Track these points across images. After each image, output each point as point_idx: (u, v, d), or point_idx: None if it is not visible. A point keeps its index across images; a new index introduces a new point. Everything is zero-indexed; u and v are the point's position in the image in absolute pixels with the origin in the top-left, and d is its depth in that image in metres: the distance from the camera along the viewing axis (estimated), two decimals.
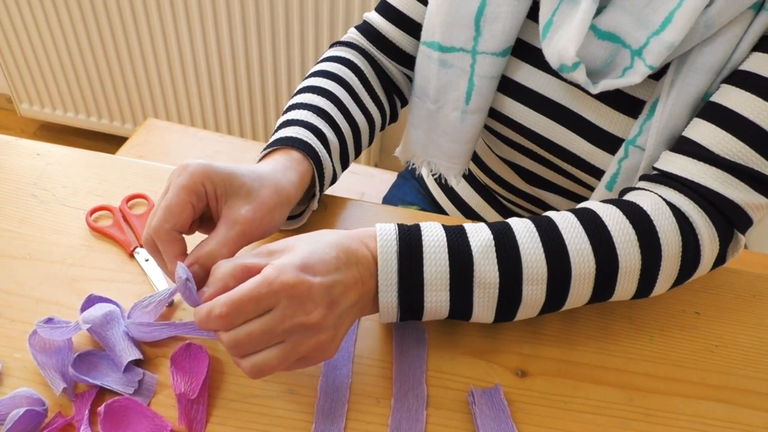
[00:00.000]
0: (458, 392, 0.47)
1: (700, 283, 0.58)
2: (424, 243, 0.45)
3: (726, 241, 0.52)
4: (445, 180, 0.71)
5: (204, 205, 0.47)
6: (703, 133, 0.51)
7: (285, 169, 0.51)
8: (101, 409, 0.43)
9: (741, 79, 0.51)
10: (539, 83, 0.61)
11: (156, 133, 1.30)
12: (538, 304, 0.48)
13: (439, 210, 0.86)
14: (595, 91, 0.55)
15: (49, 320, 0.47)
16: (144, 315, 0.49)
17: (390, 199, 0.94)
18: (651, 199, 0.50)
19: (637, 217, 0.49)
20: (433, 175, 0.72)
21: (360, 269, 0.44)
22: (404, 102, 0.71)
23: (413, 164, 0.74)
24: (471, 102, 0.63)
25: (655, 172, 0.54)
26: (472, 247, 0.46)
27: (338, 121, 0.59)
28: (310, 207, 0.57)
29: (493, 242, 0.46)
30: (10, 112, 2.00)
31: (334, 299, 0.42)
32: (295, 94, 0.61)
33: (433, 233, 0.46)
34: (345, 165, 0.61)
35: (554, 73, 0.60)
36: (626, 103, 0.57)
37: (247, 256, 0.43)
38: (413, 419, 0.45)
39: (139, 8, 1.50)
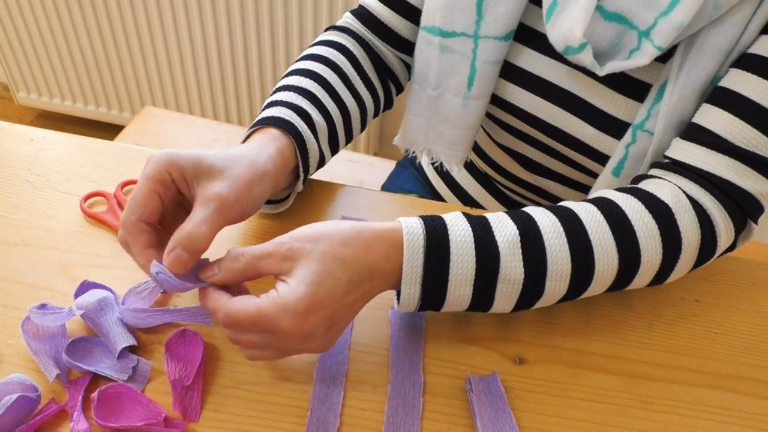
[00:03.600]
0: (455, 379, 0.47)
1: (700, 270, 0.58)
2: (451, 238, 0.45)
3: (740, 230, 0.52)
4: (444, 168, 0.71)
5: (173, 193, 0.46)
6: (716, 120, 0.50)
7: (261, 146, 0.50)
8: (95, 395, 0.43)
9: (751, 63, 0.50)
10: (542, 68, 0.60)
11: (153, 121, 1.29)
12: (557, 297, 0.48)
13: (437, 198, 0.86)
14: (601, 73, 0.54)
15: (43, 306, 0.47)
16: (138, 301, 0.49)
17: (389, 187, 0.93)
18: (671, 191, 0.50)
19: (659, 210, 0.48)
20: (433, 163, 0.72)
21: (373, 282, 0.44)
22: (400, 88, 0.70)
23: (413, 153, 0.73)
24: (473, 88, 0.62)
25: (667, 160, 0.54)
26: (498, 243, 0.45)
27: (325, 103, 0.58)
28: (295, 189, 0.56)
29: (518, 237, 0.45)
30: (8, 100, 1.99)
31: (336, 321, 0.42)
32: (284, 77, 0.60)
33: (459, 228, 0.45)
34: (335, 149, 0.60)
35: (558, 58, 0.59)
36: (631, 86, 0.56)
37: (263, 252, 0.42)
38: (410, 406, 0.45)
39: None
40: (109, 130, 1.83)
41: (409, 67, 0.69)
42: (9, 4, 1.59)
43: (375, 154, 1.63)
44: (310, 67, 0.60)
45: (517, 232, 0.46)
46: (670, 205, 0.49)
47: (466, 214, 0.47)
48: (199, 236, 0.43)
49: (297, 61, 0.62)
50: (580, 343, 0.51)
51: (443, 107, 0.65)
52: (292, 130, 0.52)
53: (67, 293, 0.50)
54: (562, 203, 0.50)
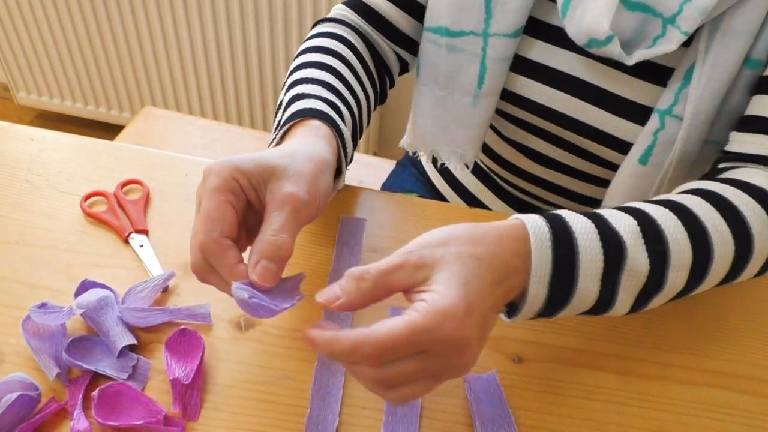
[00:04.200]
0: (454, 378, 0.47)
1: None
2: (575, 231, 0.42)
3: None
4: (444, 166, 0.70)
5: (244, 203, 0.42)
6: None
7: (310, 138, 0.48)
8: (95, 394, 0.43)
9: None
10: (555, 59, 0.60)
11: (153, 121, 1.29)
12: (674, 292, 0.46)
13: (438, 197, 0.86)
14: (630, 62, 0.54)
15: (43, 305, 0.47)
16: (138, 300, 0.49)
17: (389, 186, 0.93)
18: (762, 177, 0.49)
19: (757, 193, 0.48)
20: (441, 164, 0.71)
21: (509, 282, 0.40)
22: (392, 83, 0.69)
23: (421, 154, 0.73)
24: (483, 85, 0.62)
25: (730, 154, 0.54)
26: (621, 234, 0.43)
27: (347, 98, 0.56)
28: (336, 188, 0.52)
29: (638, 227, 0.43)
30: (8, 100, 1.99)
31: (485, 327, 0.39)
32: (295, 70, 0.58)
33: (579, 220, 0.43)
34: (355, 144, 0.58)
35: (570, 48, 0.59)
36: (651, 71, 0.57)
37: (391, 266, 0.38)
38: (408, 405, 0.45)
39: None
40: (108, 130, 1.83)
41: (402, 62, 0.68)
42: (9, 5, 1.59)
43: (374, 154, 1.63)
44: (324, 60, 0.58)
45: (636, 222, 0.44)
46: (764, 186, 0.48)
47: (575, 211, 0.44)
48: (283, 243, 0.40)
49: (303, 53, 0.60)
50: (579, 341, 0.51)
51: (452, 107, 0.65)
52: (332, 123, 0.50)
53: (67, 292, 0.50)
54: (661, 196, 0.49)
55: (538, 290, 0.41)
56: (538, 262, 0.40)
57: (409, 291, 0.38)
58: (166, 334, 0.48)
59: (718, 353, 0.51)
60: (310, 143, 0.47)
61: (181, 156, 0.64)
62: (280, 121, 0.52)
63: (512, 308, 0.43)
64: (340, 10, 0.67)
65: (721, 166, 0.55)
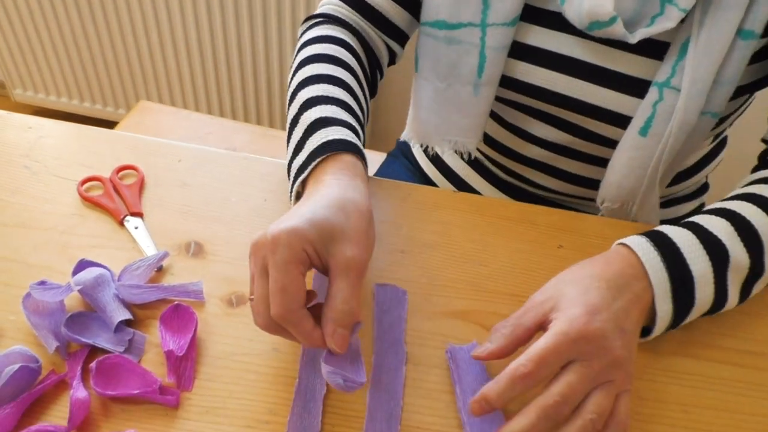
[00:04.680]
0: (436, 349, 0.49)
1: None
2: (677, 243, 0.47)
3: None
4: (435, 154, 0.72)
5: (309, 269, 0.44)
6: None
7: (351, 181, 0.48)
8: (93, 365, 0.45)
9: None
10: (553, 43, 0.62)
11: (148, 115, 1.31)
12: None
13: (430, 185, 0.87)
14: (634, 40, 0.57)
15: (42, 283, 0.49)
16: (133, 278, 0.51)
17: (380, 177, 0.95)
18: None
19: None
20: (432, 153, 0.73)
21: (632, 288, 0.45)
22: (382, 75, 0.71)
23: (413, 144, 0.75)
24: (484, 74, 0.64)
25: None
26: (719, 236, 0.48)
27: (359, 114, 0.58)
28: None
29: (730, 224, 0.49)
30: (4, 97, 2.01)
31: (623, 326, 0.43)
32: (307, 83, 0.58)
33: (676, 230, 0.49)
34: None
35: (567, 31, 0.61)
36: (648, 46, 0.59)
37: (521, 311, 0.45)
38: (393, 375, 0.47)
39: None
40: (104, 126, 1.84)
41: (391, 53, 0.70)
42: (4, 2, 1.60)
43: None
44: (334, 73, 0.59)
45: (726, 221, 0.49)
46: None
47: (669, 225, 0.50)
48: (353, 310, 0.42)
49: (308, 62, 0.61)
50: None
51: (454, 97, 0.67)
52: (362, 155, 0.52)
53: (65, 272, 0.52)
54: (737, 191, 0.55)
55: (664, 305, 0.46)
56: (657, 281, 0.46)
57: (544, 325, 0.44)
58: (160, 311, 0.50)
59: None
60: (354, 188, 0.48)
61: (174, 143, 0.66)
62: (300, 142, 0.53)
63: (646, 330, 0.48)
64: (329, 5, 0.68)
65: None
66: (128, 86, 1.73)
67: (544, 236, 0.59)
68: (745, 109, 0.70)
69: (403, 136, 0.76)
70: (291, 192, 0.53)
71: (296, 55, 0.64)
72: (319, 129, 0.53)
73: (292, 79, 0.61)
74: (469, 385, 0.46)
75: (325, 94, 0.56)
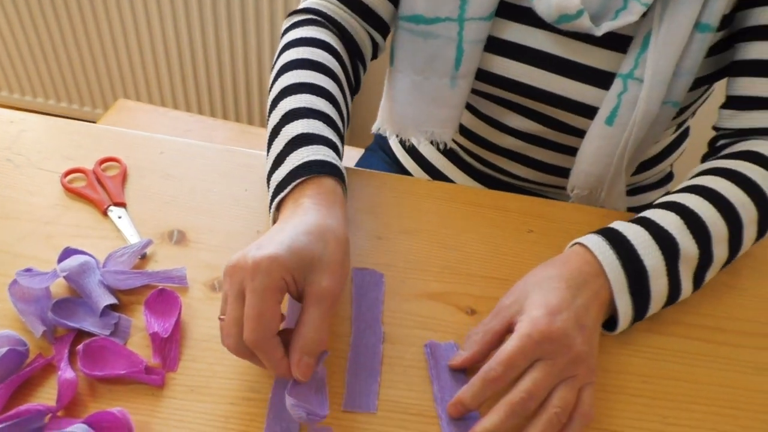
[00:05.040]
0: (412, 329, 0.52)
1: None
2: (630, 239, 0.50)
3: None
4: (412, 146, 0.74)
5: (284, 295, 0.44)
6: (763, 86, 0.59)
7: (330, 208, 0.49)
8: (80, 348, 0.46)
9: (760, 33, 0.58)
10: (525, 37, 0.65)
11: (127, 113, 1.32)
12: (720, 263, 0.54)
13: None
14: (599, 33, 0.60)
15: (28, 270, 0.50)
16: (118, 265, 0.53)
17: None
18: None
19: (766, 162, 0.56)
20: (408, 144, 0.74)
21: (590, 286, 0.48)
22: (365, 69, 0.72)
23: (390, 135, 0.76)
24: (461, 68, 0.66)
25: (729, 130, 0.62)
26: (669, 229, 0.51)
27: (340, 128, 0.58)
28: None
29: (680, 219, 0.51)
30: None
31: (583, 323, 0.46)
32: (288, 92, 0.58)
33: (629, 228, 0.51)
34: None
35: (538, 26, 0.64)
36: (612, 40, 0.62)
37: (489, 316, 0.49)
38: (371, 353, 0.49)
39: None
40: None
41: (374, 46, 0.71)
42: None
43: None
44: (321, 83, 0.59)
45: (675, 214, 0.52)
46: None
47: (621, 221, 0.52)
48: (322, 339, 0.43)
49: (290, 67, 0.60)
50: None
51: (430, 90, 0.69)
52: (342, 177, 0.52)
53: (50, 260, 0.53)
54: (687, 182, 0.57)
55: (623, 300, 0.49)
56: (614, 279, 0.48)
57: (512, 327, 0.46)
58: (144, 296, 0.51)
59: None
60: (332, 216, 0.48)
61: (156, 136, 0.68)
62: (280, 155, 0.53)
63: (612, 325, 0.51)
64: None
65: (721, 143, 0.63)
66: (105, 85, 1.73)
67: (515, 222, 0.62)
68: (705, 100, 0.73)
69: (375, 127, 0.78)
70: (270, 207, 0.52)
71: (278, 57, 0.63)
72: (301, 146, 0.53)
73: (273, 83, 0.61)
74: (447, 382, 0.48)
75: (308, 105, 0.56)
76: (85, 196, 0.59)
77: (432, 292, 0.55)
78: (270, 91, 0.61)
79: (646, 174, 0.81)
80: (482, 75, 0.68)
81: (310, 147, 0.53)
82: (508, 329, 0.47)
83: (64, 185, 0.60)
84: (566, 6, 0.59)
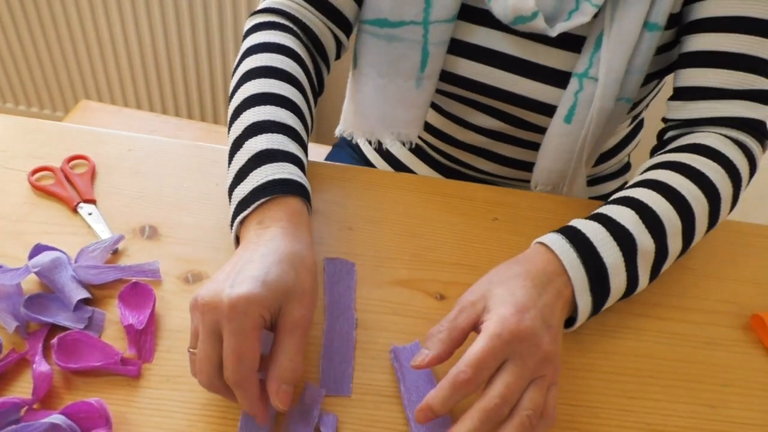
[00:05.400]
0: (384, 315, 0.53)
1: None
2: (589, 237, 0.51)
3: (765, 150, 0.63)
4: (379, 143, 0.75)
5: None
6: (708, 77, 0.61)
7: (296, 232, 0.48)
8: (54, 341, 0.46)
9: (703, 25, 0.61)
10: (485, 38, 0.67)
11: (90, 115, 1.30)
12: (676, 254, 0.55)
13: None
14: (554, 34, 0.62)
15: None
16: (90, 260, 0.53)
17: None
18: (716, 138, 0.59)
19: (715, 155, 0.58)
20: (374, 143, 0.75)
21: (553, 284, 0.48)
22: (328, 69, 0.71)
23: (359, 136, 0.77)
24: (426, 69, 0.68)
25: (677, 121, 0.64)
26: (626, 225, 0.52)
27: (304, 139, 0.57)
28: None
29: (635, 214, 0.52)
30: None
31: (549, 322, 0.46)
32: (256, 103, 0.56)
33: (587, 226, 0.51)
34: None
35: (497, 27, 0.66)
36: (567, 40, 0.65)
37: (454, 313, 0.47)
38: (344, 339, 0.51)
39: None
40: None
41: (338, 45, 0.70)
42: None
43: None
44: (285, 93, 0.58)
45: (631, 210, 0.53)
46: (720, 149, 0.58)
47: (581, 220, 0.53)
48: (298, 366, 0.43)
49: (253, 75, 0.59)
50: None
51: (395, 91, 0.70)
52: (308, 197, 0.52)
53: (21, 258, 0.53)
54: (641, 176, 0.58)
55: (585, 297, 0.49)
56: (575, 277, 0.49)
57: (478, 325, 0.45)
58: (117, 290, 0.51)
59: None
60: (299, 240, 0.48)
61: (124, 133, 0.68)
62: (243, 169, 0.52)
63: (570, 321, 0.51)
64: None
65: (670, 135, 0.65)
66: (66, 87, 1.70)
67: (480, 210, 0.64)
68: (657, 93, 0.76)
69: (339, 130, 0.78)
70: (232, 223, 0.51)
71: (240, 62, 0.62)
72: (265, 163, 0.52)
73: (235, 91, 0.59)
74: (413, 382, 0.48)
75: (271, 118, 0.55)
76: (54, 194, 0.59)
77: (402, 279, 0.56)
78: (231, 98, 0.59)
79: (605, 165, 0.84)
80: (446, 76, 0.70)
81: (274, 164, 0.51)
82: (474, 327, 0.46)
83: (31, 183, 0.60)
84: (521, 8, 0.61)
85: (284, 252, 0.46)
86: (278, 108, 0.56)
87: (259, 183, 0.50)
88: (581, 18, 0.62)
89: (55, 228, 0.57)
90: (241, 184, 0.51)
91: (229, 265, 0.46)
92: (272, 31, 0.63)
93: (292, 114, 0.57)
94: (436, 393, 0.42)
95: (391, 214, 0.62)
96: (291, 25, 0.65)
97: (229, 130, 0.57)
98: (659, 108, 0.84)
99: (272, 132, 0.54)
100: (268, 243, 0.47)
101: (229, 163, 0.55)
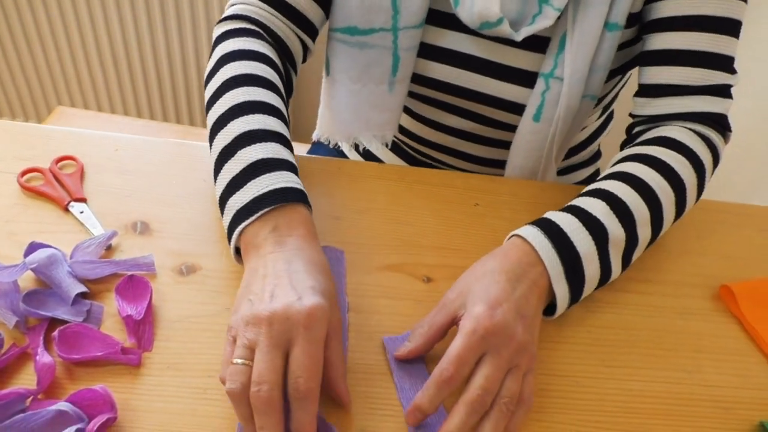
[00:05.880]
0: (374, 298, 0.55)
1: None
2: (563, 227, 0.52)
3: (726, 141, 0.66)
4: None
5: None
6: (669, 75, 0.64)
7: (314, 240, 0.51)
8: (55, 334, 0.47)
9: (661, 25, 0.63)
10: (453, 42, 0.69)
11: (67, 121, 1.30)
12: (646, 242, 0.57)
13: None
14: (519, 38, 0.65)
15: None
16: (85, 256, 0.54)
17: None
18: (681, 131, 0.62)
19: (680, 147, 0.60)
20: (358, 147, 0.78)
21: (529, 275, 0.50)
22: (296, 73, 0.70)
23: (340, 144, 0.79)
24: (398, 73, 0.70)
25: (643, 117, 0.66)
26: (597, 215, 0.54)
27: (291, 145, 0.57)
28: None
29: (605, 205, 0.55)
30: None
31: (523, 313, 0.48)
32: (244, 111, 0.56)
33: (561, 217, 0.53)
34: None
35: (465, 31, 0.68)
36: (532, 42, 0.67)
37: (434, 311, 0.50)
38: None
39: None
40: None
41: (305, 49, 0.70)
42: None
43: None
44: (270, 101, 0.58)
45: (602, 201, 0.55)
46: (684, 141, 0.61)
47: (554, 212, 0.55)
48: (343, 368, 0.47)
49: (237, 84, 0.58)
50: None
51: (368, 96, 0.72)
52: (309, 205, 0.53)
53: (15, 257, 0.54)
54: (611, 169, 0.60)
55: (561, 286, 0.51)
56: (551, 267, 0.51)
57: (456, 321, 0.48)
58: (113, 284, 0.53)
59: None
60: (318, 249, 0.50)
61: (109, 134, 0.69)
62: (238, 178, 0.52)
63: (551, 310, 0.53)
64: (241, 4, 0.66)
65: (637, 130, 0.67)
66: (38, 96, 1.69)
67: (462, 197, 0.66)
68: (623, 86, 0.80)
69: (315, 135, 0.80)
70: (230, 234, 0.51)
71: (217, 69, 0.61)
72: (265, 172, 0.52)
73: (216, 98, 0.58)
74: (406, 372, 0.50)
75: (262, 127, 0.55)
76: (44, 194, 0.60)
77: (390, 264, 0.58)
78: (211, 105, 0.59)
79: (576, 157, 0.87)
80: (417, 79, 0.73)
81: (274, 173, 0.52)
82: (453, 323, 0.49)
83: (21, 185, 0.61)
84: (487, 14, 0.63)
85: (318, 261, 0.48)
86: (266, 116, 0.56)
87: (260, 192, 0.50)
88: (544, 21, 0.64)
89: (48, 227, 0.58)
90: (238, 193, 0.51)
91: (260, 280, 0.47)
92: (244, 38, 0.63)
93: (279, 121, 0.57)
94: (422, 393, 0.45)
95: (377, 204, 0.64)
96: (260, 31, 0.65)
97: (212, 138, 0.57)
98: (628, 100, 0.88)
99: (265, 141, 0.54)
100: (299, 253, 0.48)
101: (218, 171, 0.54)
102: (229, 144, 0.54)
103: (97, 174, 0.64)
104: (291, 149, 0.57)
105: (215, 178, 0.55)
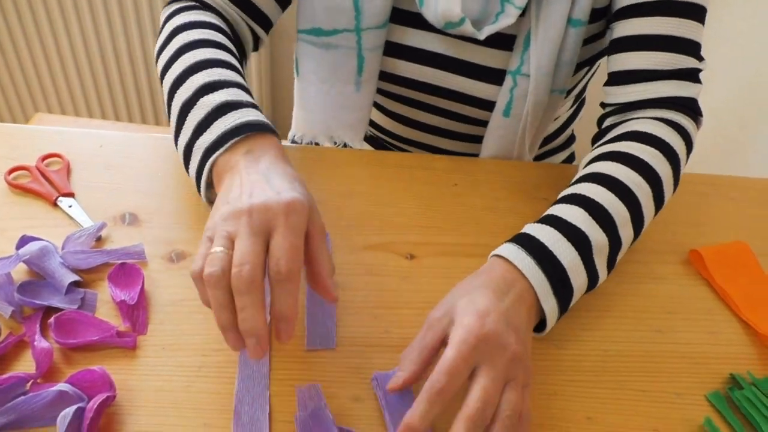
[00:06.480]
0: (360, 276, 0.57)
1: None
2: (545, 242, 0.51)
3: (698, 126, 0.66)
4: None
5: None
6: (638, 60, 0.63)
7: (286, 161, 0.51)
8: (51, 321, 0.49)
9: (627, 11, 0.64)
10: (419, 40, 0.71)
11: (48, 126, 1.30)
12: (628, 242, 0.57)
13: None
14: (482, 37, 0.66)
15: None
16: (77, 246, 0.55)
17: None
18: (651, 124, 0.61)
19: (652, 140, 0.60)
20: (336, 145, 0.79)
21: (514, 290, 0.48)
22: (246, 61, 0.72)
23: (315, 142, 0.80)
24: (363, 73, 0.71)
25: (615, 106, 0.66)
26: (577, 224, 0.52)
27: (252, 95, 0.58)
28: None
29: (584, 212, 0.53)
30: None
31: (514, 324, 0.46)
32: (201, 68, 0.56)
33: (541, 231, 0.52)
34: None
35: (431, 30, 0.70)
36: (498, 40, 0.68)
37: (422, 332, 0.48)
38: (325, 301, 0.55)
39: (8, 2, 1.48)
40: None
41: (256, 39, 0.71)
42: None
43: None
44: (227, 59, 0.58)
45: (580, 208, 0.54)
46: (656, 133, 0.60)
47: (532, 224, 0.54)
48: (328, 262, 0.48)
49: (194, 47, 0.59)
50: (458, 237, 0.62)
51: (337, 96, 0.74)
52: (278, 136, 0.54)
53: (7, 251, 0.55)
54: (586, 170, 0.59)
55: (550, 302, 0.50)
56: (537, 284, 0.49)
57: (445, 339, 0.46)
58: (106, 273, 0.54)
59: None
60: (291, 165, 0.51)
61: (93, 131, 0.70)
62: (203, 122, 0.53)
63: (542, 326, 0.52)
64: None
65: (608, 122, 0.67)
66: (14, 104, 1.68)
67: (441, 178, 0.69)
68: (592, 75, 0.82)
69: (291, 135, 0.82)
70: (202, 172, 0.52)
71: (169, 41, 0.61)
72: (230, 111, 0.52)
73: (171, 63, 0.59)
74: (396, 408, 0.47)
75: (223, 78, 0.55)
76: (32, 191, 0.61)
77: (374, 243, 0.61)
78: (166, 71, 0.59)
79: (550, 144, 0.90)
80: (387, 77, 0.74)
81: (240, 111, 0.53)
82: (442, 342, 0.46)
83: (8, 182, 0.62)
84: (449, 15, 0.65)
85: (293, 174, 0.49)
86: (224, 69, 0.57)
87: (228, 126, 0.51)
88: (507, 20, 0.66)
89: (38, 222, 0.59)
90: (205, 133, 0.52)
91: (237, 187, 0.47)
92: (194, 11, 0.64)
93: (237, 74, 0.58)
94: (414, 409, 0.42)
95: (359, 187, 0.66)
96: (209, 11, 0.66)
97: (171, 97, 0.57)
98: (600, 82, 0.90)
99: (227, 87, 0.55)
100: (274, 167, 0.49)
101: (181, 124, 0.55)
102: (191, 96, 0.55)
103: (84, 170, 0.65)
104: (250, 94, 0.57)
105: (177, 134, 0.55)
